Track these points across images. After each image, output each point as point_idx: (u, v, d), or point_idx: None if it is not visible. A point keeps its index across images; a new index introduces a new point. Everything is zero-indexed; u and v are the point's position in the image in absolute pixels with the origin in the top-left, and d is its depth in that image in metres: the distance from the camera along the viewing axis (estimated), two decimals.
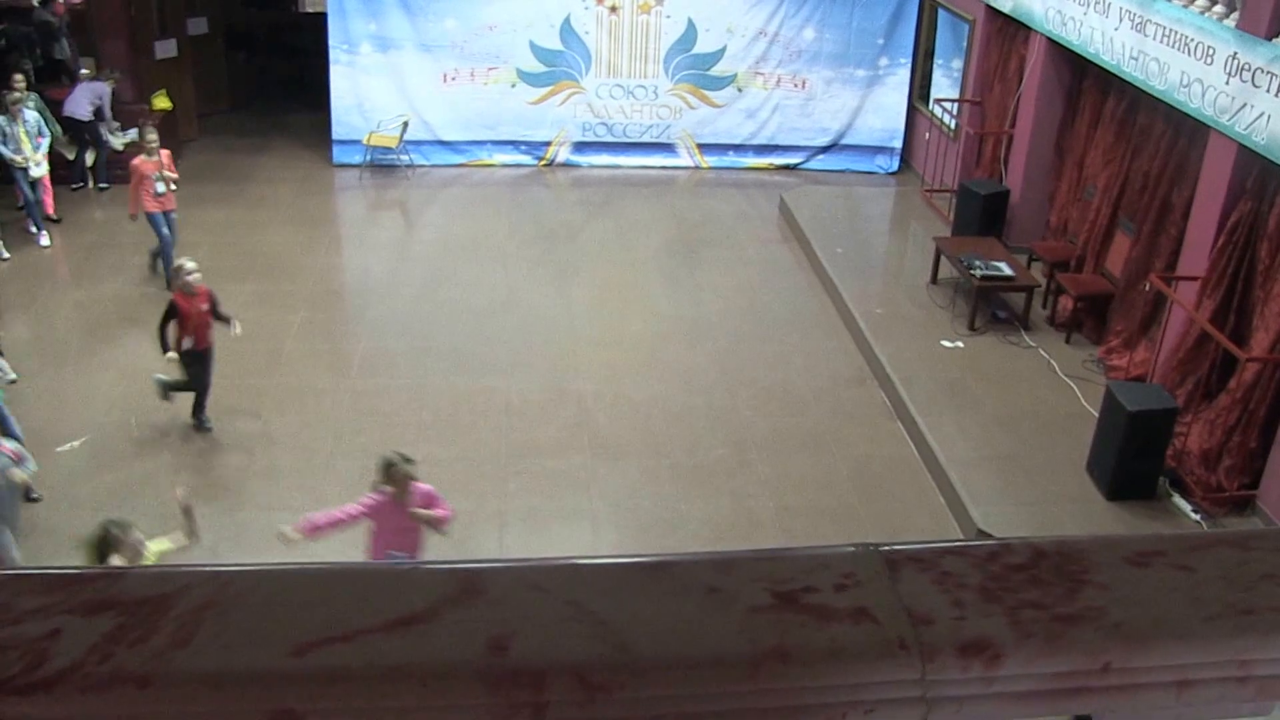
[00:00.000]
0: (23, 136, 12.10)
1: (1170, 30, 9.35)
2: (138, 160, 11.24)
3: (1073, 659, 1.14)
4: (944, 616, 1.12)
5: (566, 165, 15.81)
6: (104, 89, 13.83)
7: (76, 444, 8.97)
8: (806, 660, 1.05)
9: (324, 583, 1.09)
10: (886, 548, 1.19)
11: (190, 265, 9.02)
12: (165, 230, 11.37)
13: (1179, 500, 8.43)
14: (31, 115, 12.32)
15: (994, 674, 1.11)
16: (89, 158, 13.96)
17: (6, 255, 12.09)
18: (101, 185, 14.09)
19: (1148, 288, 9.64)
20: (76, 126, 13.53)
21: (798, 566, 1.15)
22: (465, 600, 1.05)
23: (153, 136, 11.38)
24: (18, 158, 12.09)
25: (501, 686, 0.99)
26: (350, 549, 8.23)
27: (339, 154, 15.33)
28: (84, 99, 13.59)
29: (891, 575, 1.15)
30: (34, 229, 12.46)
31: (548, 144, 15.74)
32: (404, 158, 15.32)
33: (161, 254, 11.46)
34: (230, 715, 0.98)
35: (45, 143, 12.50)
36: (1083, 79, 11.65)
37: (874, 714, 1.09)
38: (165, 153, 11.39)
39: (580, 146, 15.80)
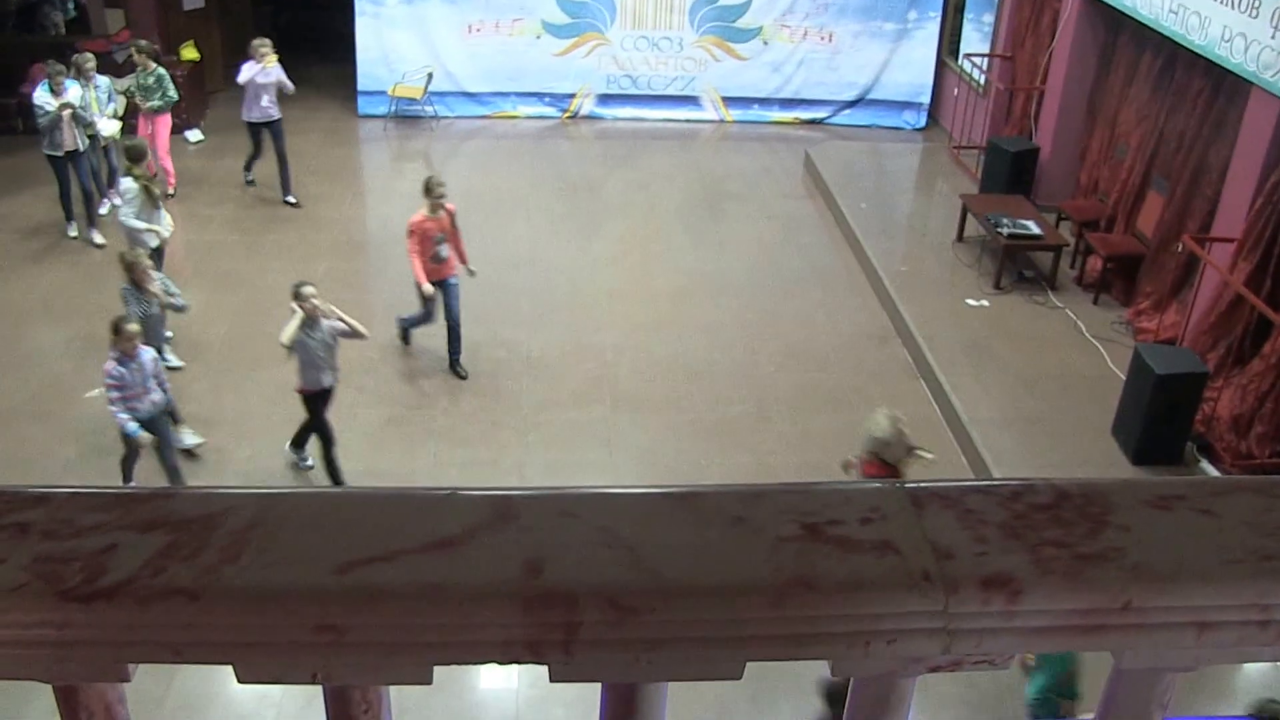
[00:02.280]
0: (94, 102, 11.52)
1: None
2: (417, 218, 9.03)
3: (1093, 597, 1.16)
4: (967, 551, 1.14)
5: (590, 118, 15.74)
6: None
7: (102, 390, 9.08)
8: (831, 590, 1.08)
9: (364, 505, 1.12)
10: (911, 484, 1.21)
11: None
12: (454, 304, 9.34)
13: (1207, 466, 8.37)
14: (103, 81, 11.70)
15: (1015, 609, 1.13)
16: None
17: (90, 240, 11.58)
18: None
19: (1180, 249, 9.52)
20: None
21: (824, 500, 1.17)
22: (500, 525, 1.09)
23: (437, 184, 9.07)
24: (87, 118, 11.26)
25: (536, 607, 1.03)
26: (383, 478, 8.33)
27: (364, 105, 15.32)
28: None
29: (916, 510, 1.17)
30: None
31: (572, 96, 15.66)
32: (428, 109, 15.28)
33: (450, 342, 9.48)
34: (276, 628, 1.02)
35: (114, 107, 11.82)
36: (1118, 34, 11.46)
37: (896, 644, 1.12)
38: (451, 208, 9.20)
39: (604, 99, 15.72)
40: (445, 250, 9.13)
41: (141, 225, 9.35)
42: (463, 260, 9.36)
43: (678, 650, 1.07)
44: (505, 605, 1.03)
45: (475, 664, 1.07)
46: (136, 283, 8.16)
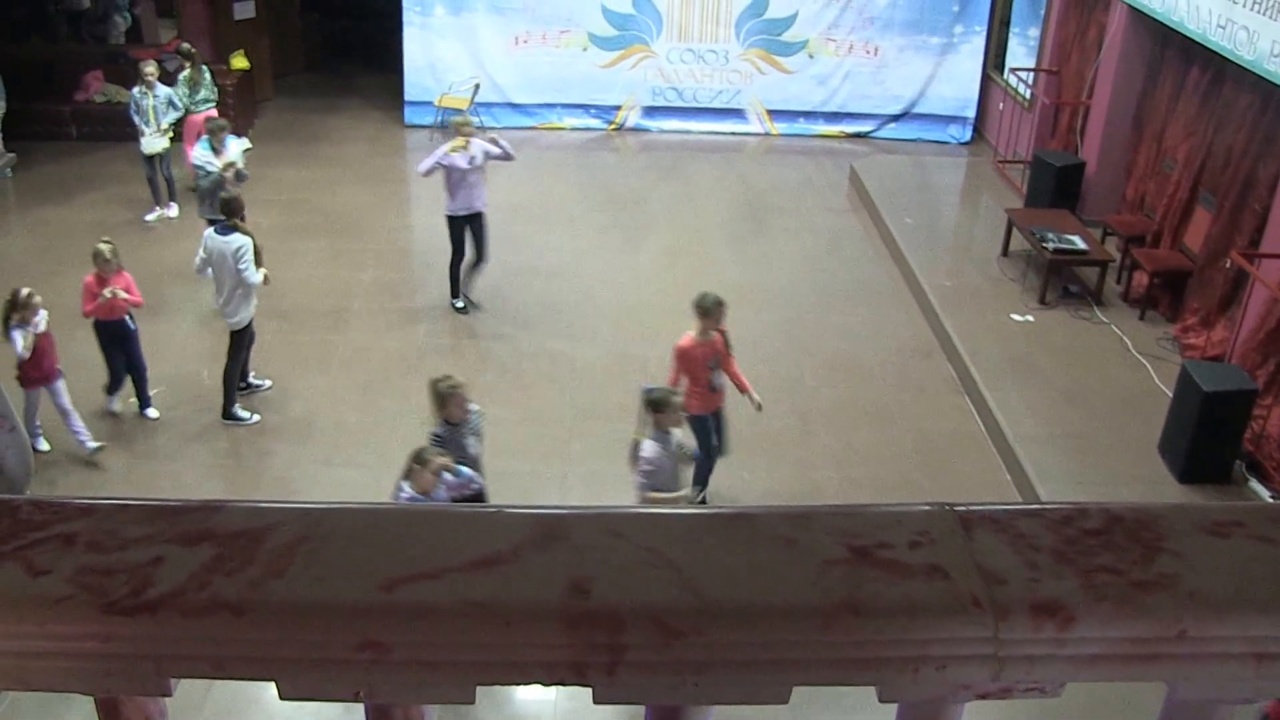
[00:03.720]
0: (151, 111, 11.80)
1: None
2: (686, 342, 7.51)
3: (1147, 625, 1.13)
4: (1017, 577, 1.12)
5: (636, 130, 15.78)
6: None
7: (151, 394, 9.20)
8: (880, 614, 1.06)
9: (410, 522, 1.12)
10: (961, 508, 1.19)
11: None
12: (715, 441, 7.79)
13: (1256, 485, 8.20)
14: (164, 91, 11.94)
15: (1066, 636, 1.11)
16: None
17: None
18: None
19: (1229, 265, 9.38)
20: None
21: (872, 523, 1.16)
22: (547, 544, 1.08)
23: (715, 303, 7.46)
24: (145, 129, 11.80)
25: (581, 627, 1.02)
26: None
27: (410, 115, 15.47)
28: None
29: (965, 534, 1.15)
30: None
31: (618, 108, 15.72)
32: (475, 120, 15.38)
33: (697, 468, 7.65)
34: (320, 644, 1.02)
35: (172, 116, 12.08)
36: (1165, 48, 11.32)
37: (945, 670, 1.10)
38: (723, 329, 7.68)
39: (650, 111, 15.76)
40: (720, 378, 7.67)
41: (260, 278, 8.75)
42: (741, 387, 7.75)
43: (724, 673, 1.06)
44: (551, 625, 1.02)
45: (519, 684, 1.06)
46: (450, 419, 6.81)
